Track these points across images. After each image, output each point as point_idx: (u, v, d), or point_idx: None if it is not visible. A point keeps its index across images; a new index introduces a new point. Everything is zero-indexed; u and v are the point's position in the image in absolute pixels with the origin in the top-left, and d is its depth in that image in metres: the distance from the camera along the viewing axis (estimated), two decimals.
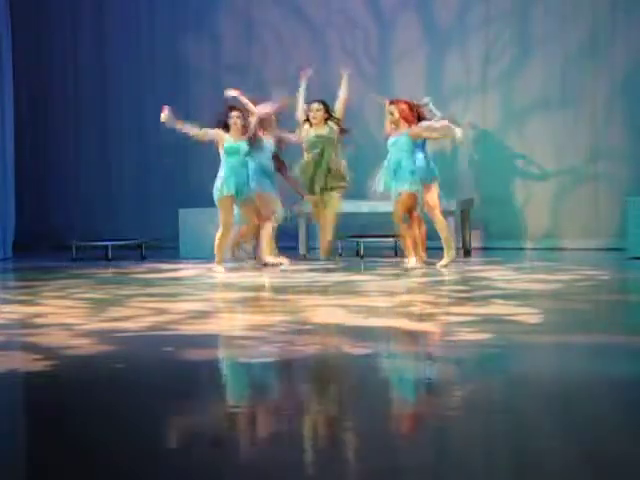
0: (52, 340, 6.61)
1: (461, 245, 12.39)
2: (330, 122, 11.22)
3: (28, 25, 14.49)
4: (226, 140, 11.13)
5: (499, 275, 10.06)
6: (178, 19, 14.31)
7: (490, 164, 13.20)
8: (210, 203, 13.10)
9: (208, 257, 11.16)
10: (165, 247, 13.19)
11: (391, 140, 10.76)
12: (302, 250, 12.86)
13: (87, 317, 7.59)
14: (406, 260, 10.86)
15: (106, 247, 12.70)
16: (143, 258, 12.60)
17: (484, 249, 12.86)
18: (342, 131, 11.27)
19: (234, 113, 11.25)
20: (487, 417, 4.63)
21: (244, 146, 11.14)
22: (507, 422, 4.51)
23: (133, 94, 14.37)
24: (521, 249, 12.89)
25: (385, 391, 5.30)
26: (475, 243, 12.68)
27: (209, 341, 6.68)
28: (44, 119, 14.66)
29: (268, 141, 11.51)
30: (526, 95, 13.13)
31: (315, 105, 11.29)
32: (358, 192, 13.48)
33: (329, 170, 11.16)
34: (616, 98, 12.78)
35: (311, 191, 11.21)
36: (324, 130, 11.15)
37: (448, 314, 7.60)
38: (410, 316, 7.47)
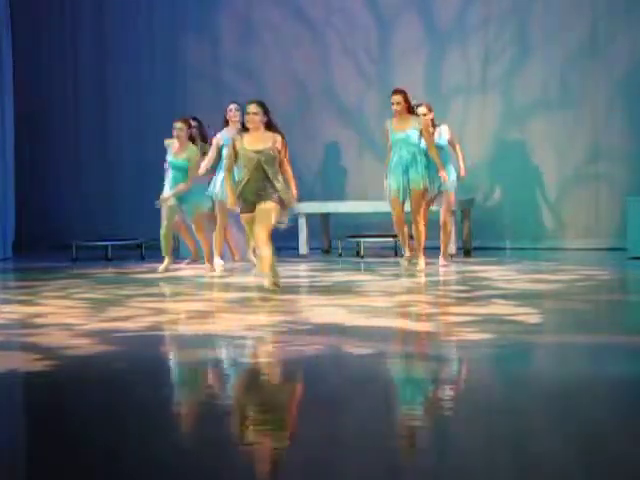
0: (52, 340, 6.61)
1: (461, 245, 12.41)
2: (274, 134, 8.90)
3: (28, 25, 14.49)
4: (169, 153, 10.85)
5: (499, 275, 10.06)
6: (178, 19, 14.31)
7: (490, 164, 13.21)
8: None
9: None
10: None
11: (399, 135, 10.37)
12: (302, 250, 12.87)
13: (87, 317, 7.59)
14: (408, 260, 10.74)
15: (106, 247, 12.71)
16: (143, 258, 12.61)
17: (484, 249, 12.86)
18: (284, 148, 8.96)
19: (176, 124, 10.81)
20: (487, 417, 4.63)
21: (184, 163, 10.70)
22: (507, 422, 4.51)
23: (133, 94, 14.38)
24: (521, 249, 12.89)
25: (385, 391, 5.30)
26: (475, 243, 12.68)
27: (209, 341, 6.68)
28: (44, 119, 14.66)
29: None
30: (526, 95, 13.13)
31: (252, 107, 8.89)
32: (358, 192, 13.52)
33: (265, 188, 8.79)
34: (616, 98, 12.78)
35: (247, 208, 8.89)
36: (262, 144, 8.79)
37: (448, 314, 7.61)
38: (410, 316, 7.47)
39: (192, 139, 10.93)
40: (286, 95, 13.83)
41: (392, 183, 10.42)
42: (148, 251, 12.81)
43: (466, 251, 12.36)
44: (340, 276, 10.36)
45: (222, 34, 14.17)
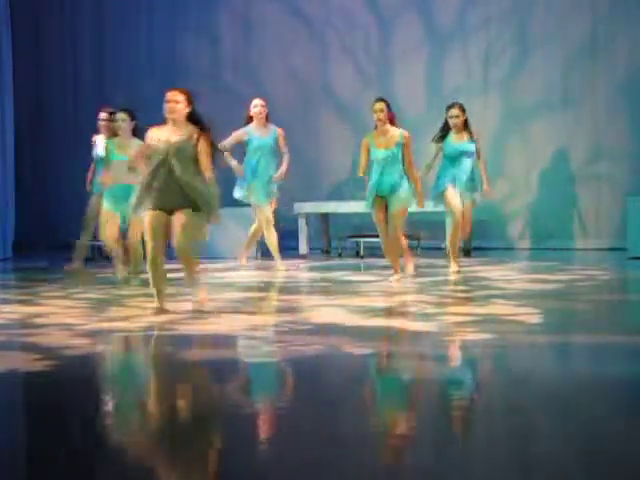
0: (52, 340, 6.61)
1: (461, 245, 12.41)
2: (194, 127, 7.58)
3: (28, 25, 14.50)
4: (105, 148, 9.80)
5: (499, 275, 10.06)
6: (177, 19, 14.31)
7: (490, 164, 13.21)
8: None
9: (207, 257, 11.16)
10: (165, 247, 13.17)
11: (383, 153, 9.39)
12: (302, 250, 12.87)
13: (87, 317, 7.59)
14: (394, 276, 9.64)
15: None
16: (143, 258, 12.60)
17: (484, 249, 12.85)
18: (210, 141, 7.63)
19: (120, 115, 9.75)
20: (487, 417, 4.63)
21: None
22: (507, 422, 4.52)
23: (132, 94, 14.37)
24: (521, 249, 12.88)
25: (385, 391, 5.29)
26: (475, 243, 12.68)
27: (209, 341, 6.68)
28: (44, 119, 14.66)
29: (270, 134, 11.31)
30: (527, 95, 13.14)
31: (172, 94, 7.63)
32: (358, 192, 13.51)
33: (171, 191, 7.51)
34: (617, 98, 12.79)
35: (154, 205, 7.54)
36: (177, 136, 7.56)
37: (448, 314, 7.60)
38: (410, 316, 7.47)
39: (115, 134, 9.80)
40: (286, 94, 13.84)
41: (374, 195, 9.43)
42: None
43: (466, 251, 12.36)
44: (340, 276, 10.36)
45: (222, 33, 14.18)
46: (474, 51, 13.29)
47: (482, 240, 13.03)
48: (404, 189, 9.37)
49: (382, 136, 9.42)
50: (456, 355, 6.12)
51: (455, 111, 10.24)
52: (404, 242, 9.90)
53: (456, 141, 10.21)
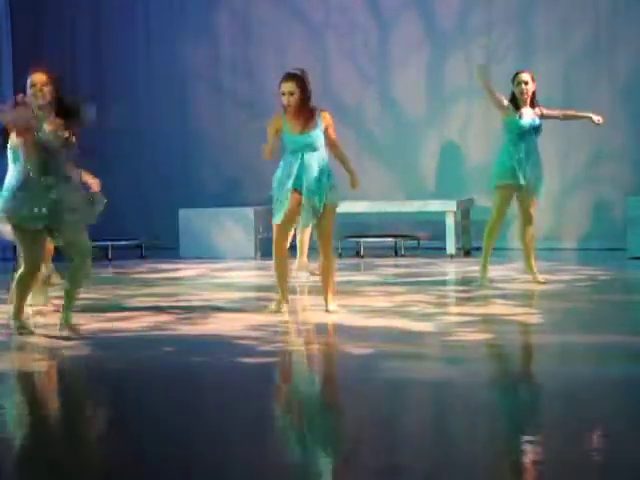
0: (52, 340, 6.61)
1: (461, 245, 12.41)
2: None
3: (28, 25, 14.50)
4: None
5: (499, 275, 10.05)
6: (176, 20, 14.31)
7: (491, 164, 13.19)
8: (210, 203, 13.12)
9: (208, 257, 11.16)
10: (165, 247, 13.19)
11: (301, 139, 7.44)
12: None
13: (87, 317, 7.59)
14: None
15: (106, 247, 12.70)
16: (143, 258, 12.61)
17: None
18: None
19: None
20: (487, 417, 4.63)
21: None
22: (507, 422, 4.52)
23: (131, 94, 14.38)
24: (521, 249, 12.86)
25: (385, 391, 5.29)
26: (475, 243, 12.67)
27: (209, 341, 6.68)
28: None
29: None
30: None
31: (37, 77, 6.90)
32: (357, 192, 13.50)
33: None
34: (618, 99, 12.78)
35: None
36: (53, 126, 6.87)
37: (448, 314, 7.60)
38: (410, 316, 7.47)
39: None
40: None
41: (287, 196, 7.41)
42: (148, 251, 12.82)
43: (466, 251, 12.36)
44: (340, 276, 10.34)
45: (221, 34, 14.17)
46: (476, 52, 13.27)
47: (482, 240, 13.00)
48: (328, 181, 7.65)
49: (297, 121, 7.42)
50: (455, 355, 6.12)
51: (525, 76, 8.80)
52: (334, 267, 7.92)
53: (524, 116, 8.86)
